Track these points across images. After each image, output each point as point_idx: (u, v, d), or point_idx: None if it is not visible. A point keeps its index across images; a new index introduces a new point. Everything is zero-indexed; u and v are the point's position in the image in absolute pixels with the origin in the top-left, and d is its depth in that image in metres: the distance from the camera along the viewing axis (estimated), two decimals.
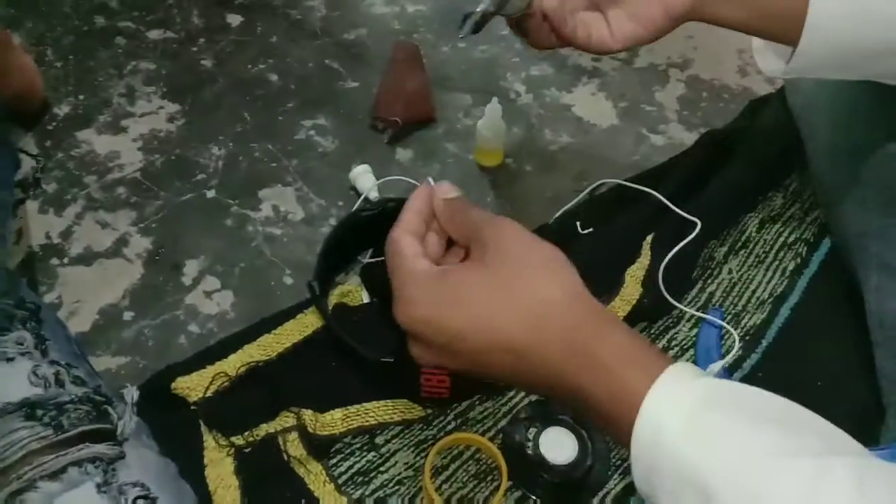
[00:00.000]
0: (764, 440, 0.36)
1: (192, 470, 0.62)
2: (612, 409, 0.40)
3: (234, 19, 1.08)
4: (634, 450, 0.38)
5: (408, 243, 0.46)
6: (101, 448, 0.53)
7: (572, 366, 0.41)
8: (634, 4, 0.55)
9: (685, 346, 0.72)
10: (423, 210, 0.48)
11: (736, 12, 0.55)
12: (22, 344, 0.60)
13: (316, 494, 0.62)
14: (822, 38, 0.53)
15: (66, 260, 0.80)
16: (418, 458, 0.64)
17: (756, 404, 0.39)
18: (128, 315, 0.75)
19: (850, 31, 0.53)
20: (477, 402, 0.68)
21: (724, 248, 0.79)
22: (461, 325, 0.42)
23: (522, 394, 0.68)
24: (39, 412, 0.54)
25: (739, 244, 0.80)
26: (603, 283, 0.72)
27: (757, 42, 0.61)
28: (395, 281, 0.45)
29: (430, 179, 0.51)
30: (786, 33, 0.55)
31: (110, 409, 0.56)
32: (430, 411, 0.66)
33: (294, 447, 0.64)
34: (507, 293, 0.42)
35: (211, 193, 0.86)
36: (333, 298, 0.73)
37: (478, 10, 0.52)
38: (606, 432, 0.44)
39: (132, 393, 0.59)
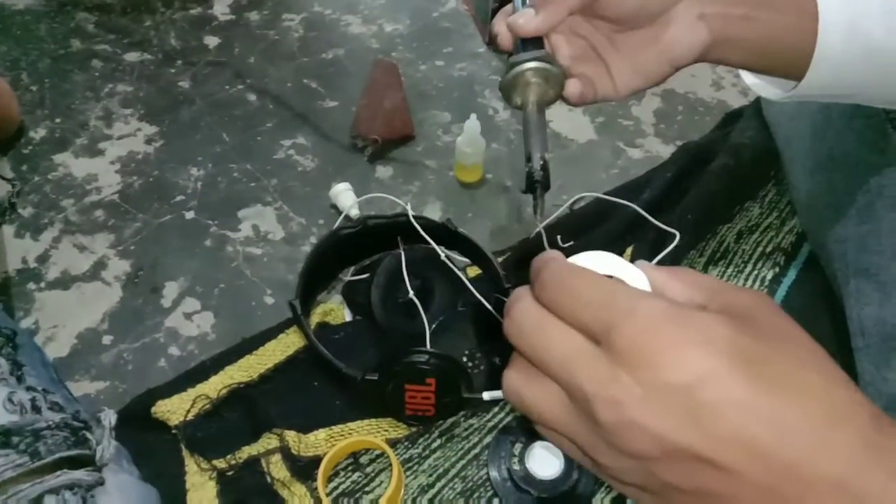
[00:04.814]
0: None
1: (173, 495, 0.61)
2: None
3: (212, 41, 1.08)
4: None
5: None
6: (80, 474, 0.52)
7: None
8: (639, 58, 0.52)
9: None
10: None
11: (742, 56, 0.54)
12: None
13: None
14: (827, 73, 0.53)
15: (43, 284, 0.79)
16: (405, 477, 0.64)
17: None
18: (107, 339, 0.74)
19: (854, 67, 0.53)
20: (462, 419, 0.67)
21: (703, 259, 0.80)
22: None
23: (507, 410, 0.68)
24: (15, 439, 0.53)
25: (718, 255, 0.80)
26: None
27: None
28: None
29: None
30: (791, 71, 0.54)
31: (89, 435, 0.55)
32: (414, 429, 0.66)
33: (277, 469, 0.63)
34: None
35: (190, 214, 0.85)
36: (315, 317, 0.72)
37: (536, 170, 0.43)
38: None
39: (110, 417, 0.58)
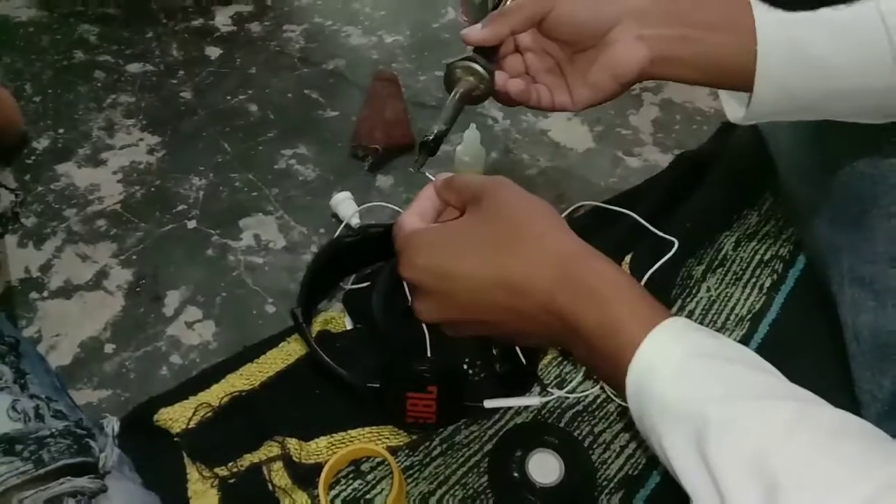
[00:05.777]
0: (752, 383, 0.40)
1: (176, 502, 0.62)
2: (600, 342, 0.43)
3: (213, 52, 1.09)
4: (628, 389, 0.41)
5: (410, 220, 0.51)
6: (83, 482, 0.52)
7: (564, 291, 0.44)
8: (589, 74, 0.59)
9: None
10: (433, 200, 0.53)
11: (687, 72, 0.57)
12: (0, 378, 0.59)
13: None
14: (775, 88, 0.56)
15: (45, 293, 0.79)
16: (406, 485, 0.64)
17: (745, 356, 0.42)
18: (109, 347, 0.74)
19: (797, 80, 0.55)
20: (462, 427, 0.67)
21: (702, 267, 0.81)
22: (460, 266, 0.47)
23: (508, 417, 0.68)
24: (19, 447, 0.53)
25: (717, 262, 0.81)
26: None
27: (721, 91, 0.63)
28: (397, 247, 0.50)
29: (430, 176, 0.55)
30: (739, 86, 0.57)
31: (92, 443, 0.56)
32: (415, 437, 0.66)
33: (279, 477, 0.63)
34: (501, 232, 0.47)
35: (192, 224, 0.86)
36: (316, 325, 0.73)
37: (431, 135, 0.53)
38: (594, 369, 0.47)
39: (112, 424, 0.59)
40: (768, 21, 0.55)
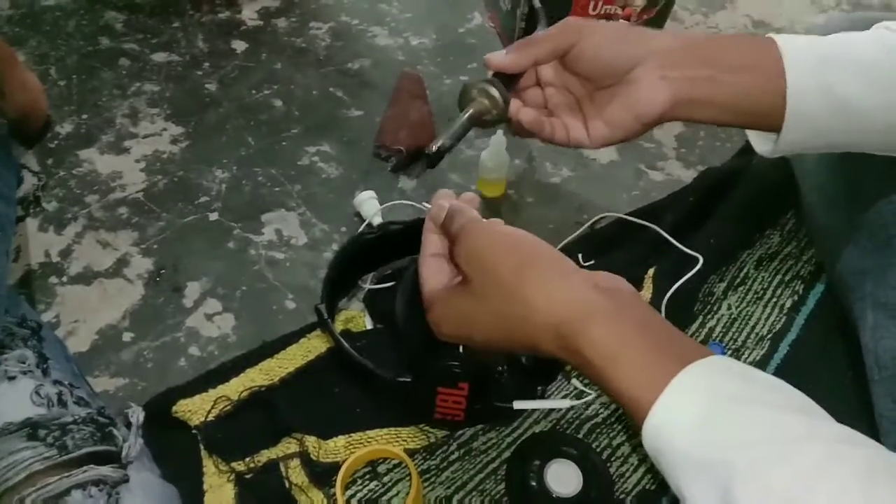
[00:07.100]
0: (778, 426, 0.38)
1: (191, 495, 0.61)
2: (613, 397, 0.43)
3: (239, 45, 1.09)
4: (646, 442, 0.40)
5: (427, 266, 0.52)
6: (106, 470, 0.52)
7: (570, 359, 0.44)
8: (608, 111, 0.57)
9: None
10: (437, 231, 0.53)
11: (713, 113, 0.56)
12: (24, 362, 0.59)
13: None
14: (804, 130, 0.55)
15: (65, 279, 0.79)
16: (421, 488, 0.64)
17: (769, 395, 0.40)
18: (127, 336, 0.74)
19: (827, 120, 0.55)
20: (480, 433, 0.67)
21: (724, 284, 0.80)
22: (480, 339, 0.49)
23: (526, 426, 0.68)
24: (42, 432, 0.53)
25: (738, 280, 0.81)
26: None
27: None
28: (425, 306, 0.52)
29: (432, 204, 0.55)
30: (766, 127, 0.56)
31: (115, 431, 0.55)
32: (433, 441, 0.66)
33: (296, 474, 0.63)
34: (497, 307, 0.47)
35: (213, 216, 0.86)
36: (338, 324, 0.73)
37: (434, 147, 0.53)
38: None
39: (138, 414, 0.59)
40: (798, 63, 0.54)
